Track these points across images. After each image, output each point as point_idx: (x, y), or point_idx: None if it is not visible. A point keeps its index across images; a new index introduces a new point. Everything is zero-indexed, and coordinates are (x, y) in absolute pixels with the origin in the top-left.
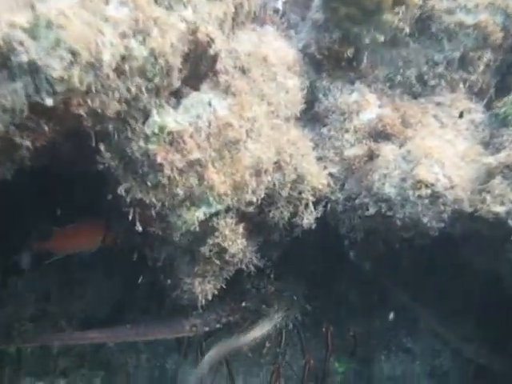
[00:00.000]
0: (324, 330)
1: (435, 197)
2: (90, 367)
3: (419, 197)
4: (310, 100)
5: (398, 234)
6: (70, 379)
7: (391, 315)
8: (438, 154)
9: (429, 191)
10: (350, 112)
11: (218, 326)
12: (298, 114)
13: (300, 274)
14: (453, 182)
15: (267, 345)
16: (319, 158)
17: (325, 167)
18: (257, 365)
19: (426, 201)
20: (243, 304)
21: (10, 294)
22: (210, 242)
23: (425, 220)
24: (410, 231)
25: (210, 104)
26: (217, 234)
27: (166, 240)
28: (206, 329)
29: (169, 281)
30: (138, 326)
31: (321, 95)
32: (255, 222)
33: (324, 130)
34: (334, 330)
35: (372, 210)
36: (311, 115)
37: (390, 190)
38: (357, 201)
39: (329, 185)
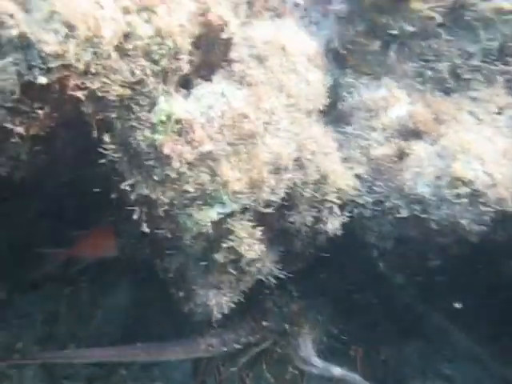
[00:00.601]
0: (352, 352)
1: (475, 196)
2: None
3: (457, 196)
4: (334, 100)
5: (434, 240)
6: None
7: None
8: (476, 149)
9: (467, 189)
10: (377, 109)
11: (236, 346)
12: (321, 108)
13: (325, 291)
14: (494, 179)
15: (291, 369)
16: (344, 159)
17: (351, 168)
18: None
19: (465, 200)
20: (264, 323)
21: (15, 313)
22: (225, 246)
23: (464, 222)
24: (447, 236)
25: (223, 94)
26: (232, 237)
27: (177, 248)
28: (224, 349)
29: (181, 293)
30: (149, 345)
31: (345, 93)
32: (275, 228)
33: (349, 129)
34: (363, 355)
35: (404, 213)
36: (335, 116)
37: (423, 190)
38: (387, 204)
39: (355, 187)
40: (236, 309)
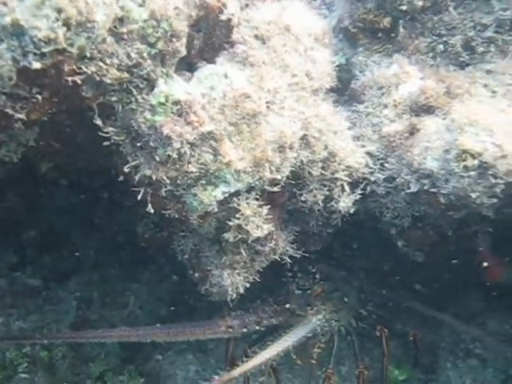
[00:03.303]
0: (378, 332)
1: (484, 168)
2: (130, 374)
3: (465, 169)
4: (347, 79)
5: (447, 215)
6: None
7: None
8: (485, 120)
9: (476, 162)
10: (388, 86)
11: (258, 328)
12: (328, 87)
13: (349, 272)
14: (504, 150)
15: (316, 350)
16: (356, 137)
17: (362, 146)
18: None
19: (474, 173)
20: (287, 306)
21: (50, 300)
22: (232, 224)
23: (473, 196)
24: (459, 210)
25: (226, 76)
26: (238, 215)
27: (191, 230)
28: (244, 330)
29: (196, 274)
30: (169, 325)
31: (357, 72)
32: (288, 208)
33: (361, 107)
34: (394, 337)
35: (414, 188)
36: (348, 95)
37: (432, 164)
38: (398, 180)
39: (367, 165)
40: (258, 292)
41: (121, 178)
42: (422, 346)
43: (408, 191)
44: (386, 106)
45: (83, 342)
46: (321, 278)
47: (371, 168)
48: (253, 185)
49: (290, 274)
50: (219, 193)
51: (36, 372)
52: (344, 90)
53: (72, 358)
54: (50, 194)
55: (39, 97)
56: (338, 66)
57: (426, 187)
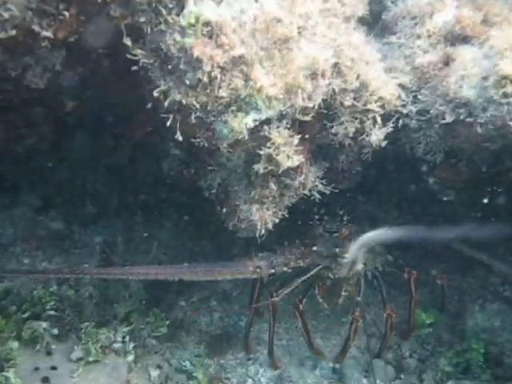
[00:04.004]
0: (406, 274)
1: None
2: (155, 316)
3: (504, 95)
4: (379, 11)
5: (483, 147)
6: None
7: None
8: None
9: None
10: (422, 15)
11: (285, 269)
12: (360, 15)
13: (377, 214)
14: None
15: (343, 293)
16: (388, 69)
17: (394, 78)
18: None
19: None
20: (314, 248)
21: (74, 244)
22: (262, 153)
23: None
24: (496, 141)
25: None
26: (269, 144)
27: (219, 163)
28: (272, 271)
29: (224, 209)
30: (196, 265)
31: (389, 2)
32: (317, 140)
33: (393, 38)
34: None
35: (449, 119)
36: (378, 28)
37: (468, 92)
38: (432, 111)
39: (399, 97)
40: (285, 234)
41: (149, 106)
42: (449, 291)
43: (443, 122)
44: (419, 37)
45: (109, 284)
46: (348, 220)
47: (403, 100)
48: (284, 112)
49: (316, 217)
50: (250, 120)
51: (63, 310)
52: (375, 24)
53: (98, 298)
54: (74, 138)
55: (66, 13)
56: None
57: (462, 117)
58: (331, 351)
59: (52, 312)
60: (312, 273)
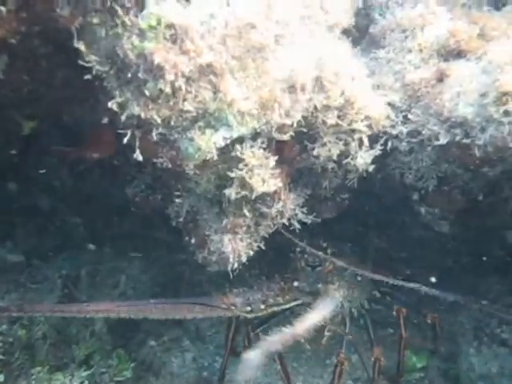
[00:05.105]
0: (395, 313)
1: None
2: (119, 358)
3: (505, 113)
4: (364, 25)
5: (479, 174)
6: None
7: None
8: None
9: None
10: (413, 28)
11: (263, 307)
12: (345, 25)
13: (364, 247)
14: None
15: (327, 333)
16: (376, 86)
17: (383, 95)
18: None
19: None
20: (295, 284)
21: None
22: (234, 176)
23: None
24: (495, 166)
25: (227, 3)
26: (241, 166)
27: (187, 189)
28: (248, 309)
29: (193, 239)
30: (163, 301)
31: (377, 15)
32: (298, 167)
33: (381, 53)
34: (411, 323)
35: (443, 140)
36: (365, 43)
37: (465, 110)
38: (424, 132)
39: (388, 116)
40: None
41: (105, 121)
42: (441, 331)
43: (436, 143)
44: (409, 51)
45: (69, 322)
46: (332, 253)
47: (393, 120)
48: (259, 130)
49: (298, 250)
50: (220, 138)
51: (12, 353)
52: (361, 38)
53: (54, 339)
54: (34, 164)
55: (3, 9)
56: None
57: (457, 138)
58: None
59: None
60: (289, 306)
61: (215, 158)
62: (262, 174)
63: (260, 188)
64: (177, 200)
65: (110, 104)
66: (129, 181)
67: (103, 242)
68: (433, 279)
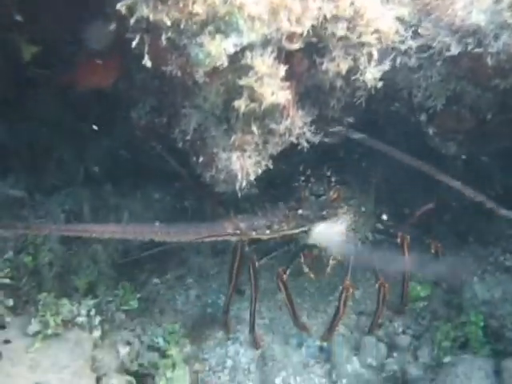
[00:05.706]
0: (399, 240)
1: None
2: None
3: None
4: None
5: (489, 87)
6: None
7: None
8: None
9: None
10: None
11: (268, 232)
12: None
13: (369, 175)
14: None
15: (331, 262)
16: (385, 1)
17: (391, 9)
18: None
19: None
20: (299, 211)
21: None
22: (243, 84)
23: None
24: (507, 77)
25: None
26: (251, 73)
27: (195, 105)
28: (253, 233)
29: (201, 158)
30: (169, 225)
31: None
32: (306, 83)
33: None
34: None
35: (455, 50)
36: None
37: (478, 18)
38: (435, 45)
39: (397, 31)
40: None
41: (112, 27)
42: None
43: (448, 55)
44: None
45: (72, 252)
46: (336, 181)
47: (402, 35)
48: (269, 37)
49: (302, 178)
50: (230, 44)
51: (20, 279)
52: None
53: (59, 268)
54: (35, 98)
55: None
56: None
57: (469, 47)
58: (318, 330)
59: (7, 281)
60: (294, 231)
61: (225, 64)
62: (271, 83)
63: (269, 98)
64: (184, 119)
65: (118, 5)
66: (134, 103)
67: (105, 180)
68: None
